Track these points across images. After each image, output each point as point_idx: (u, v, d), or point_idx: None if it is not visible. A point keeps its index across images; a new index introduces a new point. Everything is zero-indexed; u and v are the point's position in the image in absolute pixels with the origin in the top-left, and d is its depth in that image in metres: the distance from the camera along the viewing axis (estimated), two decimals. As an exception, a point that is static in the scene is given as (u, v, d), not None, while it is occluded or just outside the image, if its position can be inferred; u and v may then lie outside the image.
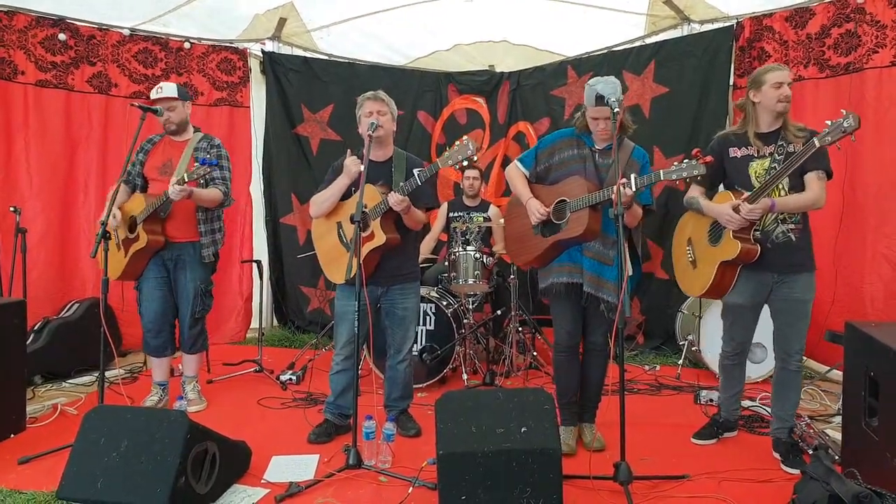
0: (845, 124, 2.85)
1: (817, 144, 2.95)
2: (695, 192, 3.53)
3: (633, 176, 3.06)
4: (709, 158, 3.00)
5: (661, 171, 3.02)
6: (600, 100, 3.17)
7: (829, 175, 3.27)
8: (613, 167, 3.11)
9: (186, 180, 3.65)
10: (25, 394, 3.83)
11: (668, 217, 5.37)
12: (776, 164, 3.18)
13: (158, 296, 4.04)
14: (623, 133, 3.32)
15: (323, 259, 3.76)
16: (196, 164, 3.73)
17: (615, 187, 2.96)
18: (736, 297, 3.41)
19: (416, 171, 3.40)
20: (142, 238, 3.86)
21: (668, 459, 3.34)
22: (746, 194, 3.16)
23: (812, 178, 3.19)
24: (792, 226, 3.26)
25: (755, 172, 3.30)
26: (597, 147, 3.38)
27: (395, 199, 3.37)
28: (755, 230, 3.29)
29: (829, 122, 2.92)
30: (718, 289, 3.40)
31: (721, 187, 3.51)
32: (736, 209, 3.15)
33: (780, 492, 2.86)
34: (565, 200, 3.29)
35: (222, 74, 6.14)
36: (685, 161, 3.00)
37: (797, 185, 3.23)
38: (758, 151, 3.31)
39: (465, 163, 3.26)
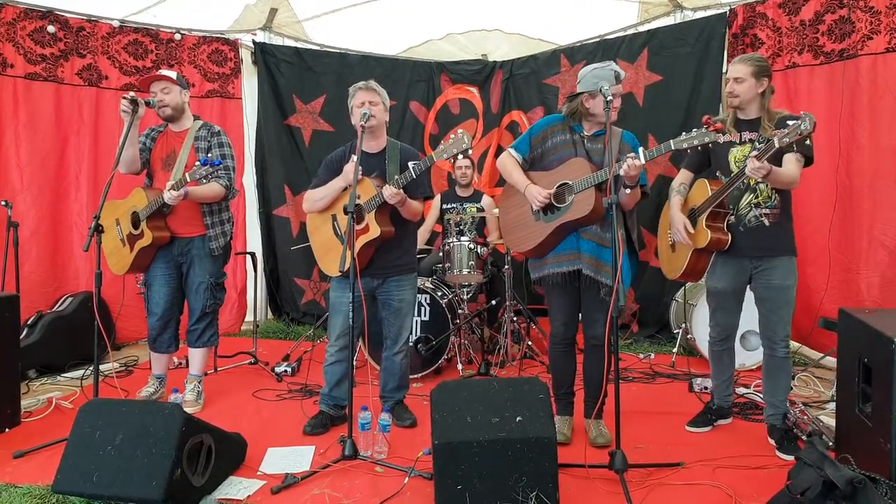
0: (802, 127, 2.89)
1: (776, 145, 2.97)
2: (682, 178, 3.61)
3: (641, 149, 3.06)
4: (719, 125, 3.00)
5: (672, 141, 3.00)
6: (618, 77, 3.24)
7: (810, 160, 3.28)
8: (607, 153, 3.13)
9: (188, 180, 3.61)
10: (20, 388, 3.82)
11: (662, 206, 5.35)
12: (756, 152, 3.21)
13: (166, 292, 4.02)
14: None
15: (318, 251, 3.75)
16: (197, 162, 3.64)
17: (623, 163, 3.00)
18: (716, 281, 3.49)
19: (411, 165, 3.38)
20: (147, 235, 3.83)
21: (663, 447, 3.35)
22: (754, 157, 3.11)
23: (791, 159, 3.21)
24: (766, 210, 3.31)
25: (734, 158, 3.37)
26: (585, 133, 3.38)
27: (390, 193, 3.35)
28: (729, 216, 3.37)
29: (789, 123, 2.95)
30: (694, 272, 3.56)
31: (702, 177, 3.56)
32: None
33: (775, 478, 2.87)
34: (567, 183, 3.25)
35: (213, 66, 6.10)
36: (695, 130, 2.98)
37: (776, 165, 3.24)
38: (739, 138, 3.36)
39: (460, 156, 3.26)
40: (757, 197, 3.32)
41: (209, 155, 3.88)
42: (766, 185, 3.27)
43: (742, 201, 3.35)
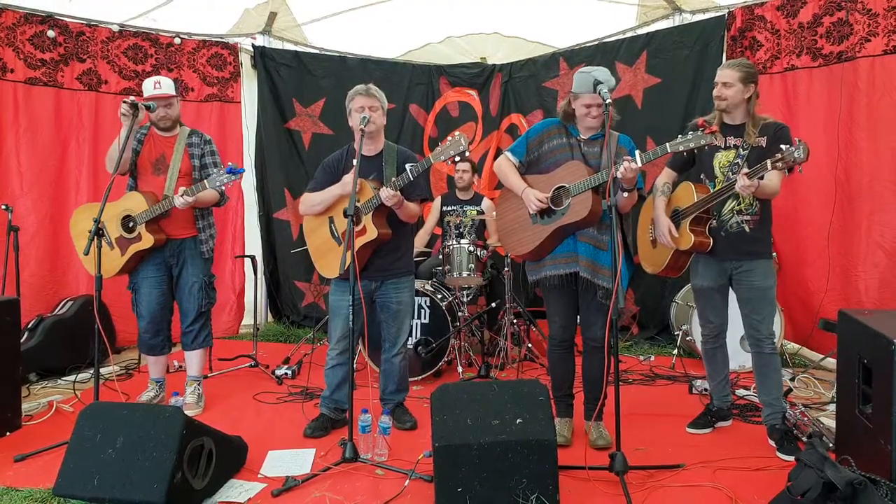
0: (796, 154, 2.95)
1: (769, 168, 3.03)
2: (666, 178, 3.64)
3: (637, 152, 3.07)
4: (714, 128, 3.02)
5: (668, 144, 3.04)
6: (599, 85, 3.17)
7: (790, 169, 3.28)
8: (605, 155, 3.16)
9: (208, 187, 3.68)
10: (20, 391, 3.82)
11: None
12: (739, 160, 3.28)
13: (157, 294, 4.02)
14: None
15: (314, 253, 3.76)
16: (218, 169, 3.75)
17: (619, 165, 3.00)
18: (700, 280, 3.56)
19: (407, 167, 3.39)
20: (146, 238, 3.84)
21: (664, 449, 3.35)
22: (745, 174, 3.12)
23: (772, 171, 3.22)
24: (748, 217, 3.37)
25: (719, 163, 3.42)
26: (582, 136, 3.39)
27: (387, 195, 3.36)
28: (711, 221, 3.43)
29: (783, 148, 3.00)
30: (674, 269, 3.64)
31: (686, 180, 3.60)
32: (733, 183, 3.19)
33: (775, 479, 2.87)
34: (564, 186, 3.27)
35: (213, 70, 6.11)
36: (690, 133, 3.02)
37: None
38: (724, 143, 3.40)
39: (458, 158, 3.27)
40: (740, 204, 3.38)
41: (230, 163, 3.93)
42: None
43: (725, 207, 3.41)
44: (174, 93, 3.99)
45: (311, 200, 3.70)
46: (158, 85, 3.94)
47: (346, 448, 3.09)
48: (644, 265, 3.84)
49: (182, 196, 3.72)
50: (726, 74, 3.36)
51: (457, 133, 3.28)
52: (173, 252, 4.02)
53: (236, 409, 4.11)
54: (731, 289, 3.54)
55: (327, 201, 3.64)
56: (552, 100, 6.14)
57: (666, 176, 3.64)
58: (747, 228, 3.37)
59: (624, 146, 3.35)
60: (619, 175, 3.02)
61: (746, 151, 3.30)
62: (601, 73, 3.21)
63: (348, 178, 3.51)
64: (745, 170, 3.13)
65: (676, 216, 3.51)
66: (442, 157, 3.29)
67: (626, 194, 3.15)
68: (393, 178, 3.41)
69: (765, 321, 3.41)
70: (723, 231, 3.41)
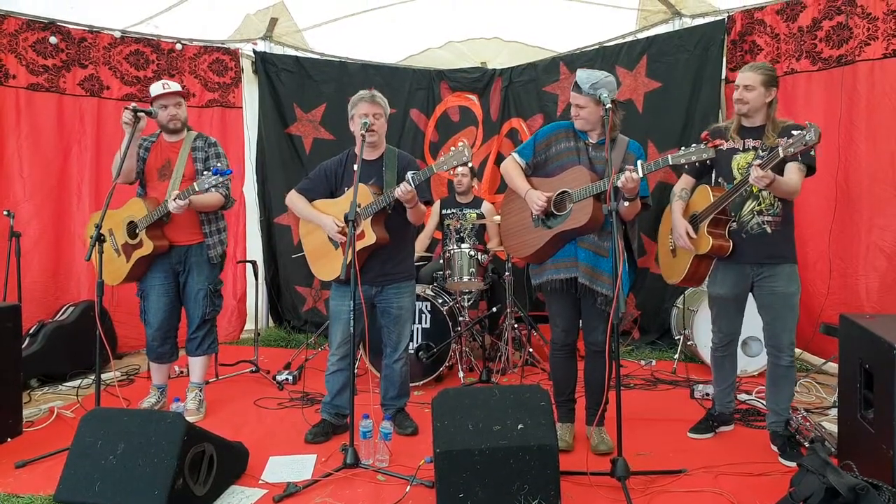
0: (807, 137, 2.90)
1: (781, 154, 2.99)
2: (683, 184, 3.62)
3: (639, 162, 3.07)
4: (718, 142, 3.02)
5: (670, 156, 3.03)
6: (575, 86, 3.26)
7: (812, 170, 3.29)
8: (608, 162, 3.14)
9: (197, 190, 3.63)
10: (21, 397, 3.81)
11: (662, 212, 5.36)
12: (759, 160, 3.22)
13: (165, 302, 4.01)
14: (612, 130, 3.29)
15: (310, 256, 3.77)
16: (206, 171, 3.70)
17: (621, 175, 3.00)
18: (718, 288, 3.50)
19: (409, 175, 3.36)
20: (147, 244, 3.83)
21: (665, 454, 3.35)
22: (757, 165, 3.10)
23: (793, 168, 3.22)
24: (769, 218, 3.32)
25: (738, 165, 3.38)
26: (591, 140, 3.38)
27: (403, 190, 3.32)
28: (730, 223, 3.38)
29: (794, 133, 2.96)
30: (695, 277, 3.58)
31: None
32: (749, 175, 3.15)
33: (777, 485, 2.87)
34: (567, 191, 3.26)
35: (214, 75, 6.13)
36: (693, 145, 3.00)
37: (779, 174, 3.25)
38: (743, 145, 3.37)
39: (460, 168, 3.28)
40: (760, 204, 3.32)
41: (219, 164, 3.91)
42: (769, 193, 3.27)
43: (745, 208, 3.35)
44: (181, 90, 4.02)
45: (297, 206, 3.73)
46: (167, 85, 3.97)
47: (347, 454, 3.10)
48: (664, 276, 3.80)
49: (174, 199, 3.68)
50: (748, 77, 3.30)
51: (460, 143, 3.27)
52: (179, 259, 4.01)
53: (237, 415, 4.11)
54: (751, 295, 3.47)
55: (309, 220, 3.68)
56: (553, 104, 6.15)
57: (683, 182, 3.61)
58: (769, 230, 3.30)
59: (633, 153, 3.33)
60: (619, 185, 3.01)
61: (766, 153, 3.23)
62: (583, 73, 3.25)
63: (331, 230, 3.52)
64: (759, 161, 3.10)
65: (694, 221, 3.47)
66: (445, 167, 3.30)
67: (627, 203, 3.14)
68: (399, 184, 3.39)
69: (786, 331, 3.33)
70: (743, 233, 3.35)
